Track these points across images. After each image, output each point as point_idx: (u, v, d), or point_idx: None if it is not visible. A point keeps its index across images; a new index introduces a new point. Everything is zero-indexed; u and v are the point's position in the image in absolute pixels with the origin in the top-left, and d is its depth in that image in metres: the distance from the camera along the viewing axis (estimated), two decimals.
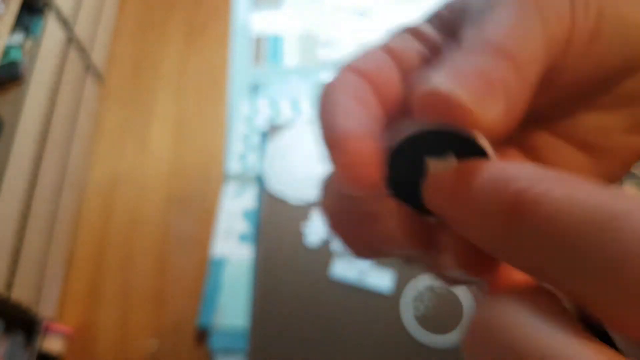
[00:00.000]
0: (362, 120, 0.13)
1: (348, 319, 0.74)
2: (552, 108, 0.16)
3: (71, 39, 0.90)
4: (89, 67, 0.96)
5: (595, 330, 0.12)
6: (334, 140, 0.13)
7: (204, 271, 0.81)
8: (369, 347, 0.72)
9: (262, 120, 0.93)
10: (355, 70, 0.14)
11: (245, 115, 0.93)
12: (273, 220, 0.83)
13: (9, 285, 0.68)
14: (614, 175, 0.18)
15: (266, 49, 1.02)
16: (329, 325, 0.74)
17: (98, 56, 1.00)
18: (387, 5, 1.06)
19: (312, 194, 0.84)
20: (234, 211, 0.85)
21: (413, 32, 0.16)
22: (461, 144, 0.12)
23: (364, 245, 0.15)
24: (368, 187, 0.12)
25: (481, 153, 0.12)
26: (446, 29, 0.16)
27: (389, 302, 0.75)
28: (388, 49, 0.15)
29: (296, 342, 0.73)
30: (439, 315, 0.73)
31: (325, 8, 1.07)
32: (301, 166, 0.87)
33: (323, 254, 0.71)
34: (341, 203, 0.15)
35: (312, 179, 0.86)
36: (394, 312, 0.74)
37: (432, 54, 0.15)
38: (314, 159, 0.87)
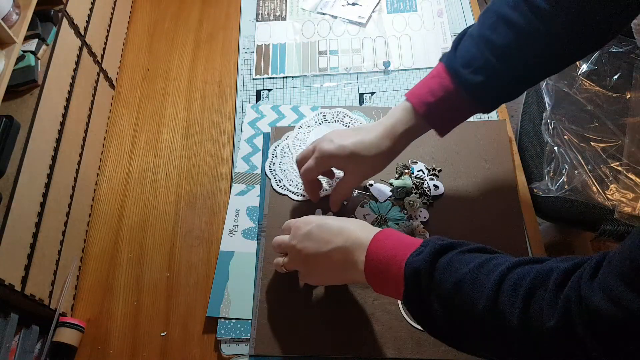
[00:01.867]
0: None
1: (349, 308, 0.75)
2: None
3: (84, 46, 0.91)
4: (101, 73, 0.97)
5: None
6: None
7: (212, 265, 0.81)
8: (370, 335, 0.73)
9: (266, 124, 0.94)
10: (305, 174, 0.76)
11: (250, 119, 0.95)
12: (275, 216, 0.84)
13: (24, 279, 0.68)
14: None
15: (270, 57, 1.04)
16: (330, 315, 0.75)
17: (110, 63, 1.01)
18: (383, 16, 1.08)
19: None
20: (239, 208, 0.86)
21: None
22: None
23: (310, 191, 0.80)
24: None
25: None
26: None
27: None
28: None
29: (298, 332, 0.74)
30: None
31: (326, 19, 1.09)
32: None
33: None
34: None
35: None
36: (394, 301, 0.75)
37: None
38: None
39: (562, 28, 0.61)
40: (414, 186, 0.82)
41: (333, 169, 0.80)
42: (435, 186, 0.83)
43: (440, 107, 0.68)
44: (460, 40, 0.68)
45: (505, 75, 0.65)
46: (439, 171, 0.84)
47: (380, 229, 0.62)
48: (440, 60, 0.69)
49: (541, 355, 0.46)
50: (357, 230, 0.62)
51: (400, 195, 0.82)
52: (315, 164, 0.73)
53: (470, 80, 0.65)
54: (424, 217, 0.80)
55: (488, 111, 0.71)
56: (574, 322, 0.43)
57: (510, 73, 0.65)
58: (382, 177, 0.84)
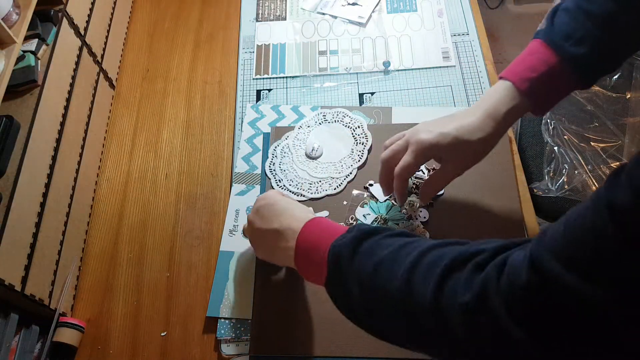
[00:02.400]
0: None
1: None
2: None
3: (84, 46, 0.91)
4: (101, 73, 0.97)
5: None
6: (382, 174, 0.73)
7: (212, 265, 0.80)
8: (371, 336, 0.73)
9: (266, 124, 0.94)
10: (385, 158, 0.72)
11: (250, 119, 0.95)
12: None
13: (24, 279, 0.68)
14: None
15: (270, 57, 1.04)
16: (330, 315, 0.74)
17: (110, 63, 1.01)
18: (383, 16, 1.08)
19: (310, 190, 0.85)
20: (239, 208, 0.85)
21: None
22: None
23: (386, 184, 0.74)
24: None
25: None
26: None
27: None
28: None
29: (298, 332, 0.74)
30: None
31: (326, 19, 1.09)
32: (301, 165, 0.88)
33: None
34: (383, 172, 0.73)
35: (310, 177, 0.87)
36: None
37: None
38: (312, 159, 0.89)
39: None
40: (414, 186, 0.82)
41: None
42: None
43: (544, 82, 0.65)
44: (553, 15, 0.66)
45: (608, 45, 0.63)
46: None
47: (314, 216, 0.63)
48: (535, 37, 0.66)
49: (451, 334, 0.45)
50: (295, 217, 0.64)
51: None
52: (415, 157, 0.66)
53: (574, 52, 0.63)
54: (424, 217, 0.80)
55: (587, 87, 0.68)
56: (489, 296, 0.42)
57: (614, 42, 0.63)
58: None
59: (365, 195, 0.83)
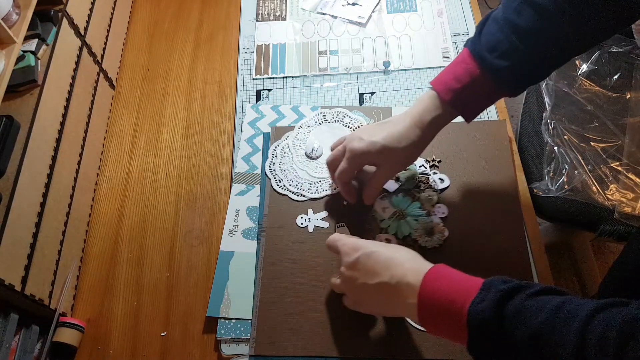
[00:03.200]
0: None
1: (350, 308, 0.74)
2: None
3: (84, 46, 0.91)
4: (101, 73, 0.97)
5: None
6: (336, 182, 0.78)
7: (212, 265, 0.80)
8: (371, 336, 0.73)
9: (266, 124, 0.94)
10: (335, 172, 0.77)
11: (250, 119, 0.95)
12: (275, 216, 0.84)
13: (24, 279, 0.68)
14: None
15: (270, 57, 1.04)
16: (330, 315, 0.75)
17: (110, 63, 1.01)
18: (383, 16, 1.08)
19: (310, 190, 0.85)
20: (239, 208, 0.86)
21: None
22: None
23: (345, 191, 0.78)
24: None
25: None
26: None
27: None
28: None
29: (299, 332, 0.74)
30: None
31: (326, 19, 1.09)
32: (301, 165, 0.88)
33: (324, 246, 0.72)
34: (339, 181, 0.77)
35: (310, 177, 0.87)
36: None
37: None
38: (312, 159, 0.89)
39: (587, 6, 0.60)
40: (421, 183, 0.82)
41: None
42: (441, 179, 0.83)
43: (467, 93, 0.68)
44: (484, 24, 0.68)
45: (531, 59, 0.65)
46: (439, 162, 0.84)
47: (430, 266, 0.58)
48: (465, 45, 0.69)
49: None
50: (406, 266, 0.59)
51: (410, 186, 0.82)
52: (349, 164, 0.74)
53: (496, 65, 0.65)
54: (443, 213, 0.80)
55: (514, 95, 0.70)
56: None
57: (537, 56, 0.65)
58: None
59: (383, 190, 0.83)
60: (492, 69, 0.65)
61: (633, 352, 0.42)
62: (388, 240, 0.78)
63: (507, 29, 0.64)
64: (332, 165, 0.78)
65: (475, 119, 0.89)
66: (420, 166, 0.84)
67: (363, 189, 0.78)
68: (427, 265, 0.58)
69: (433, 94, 0.70)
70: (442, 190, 0.82)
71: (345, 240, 0.67)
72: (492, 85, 0.67)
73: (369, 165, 0.77)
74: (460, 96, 0.68)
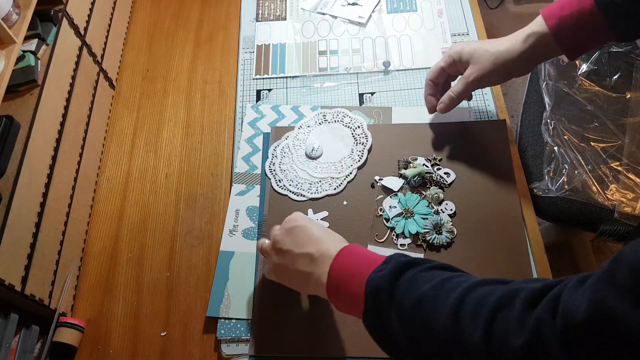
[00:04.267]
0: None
1: None
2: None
3: (84, 46, 0.91)
4: (101, 73, 0.97)
5: None
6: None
7: (212, 265, 0.80)
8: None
9: (266, 124, 0.94)
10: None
11: (250, 119, 0.95)
12: (275, 216, 0.84)
13: (24, 279, 0.68)
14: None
15: (270, 57, 1.04)
16: (330, 315, 0.75)
17: (110, 63, 1.01)
18: (383, 16, 1.08)
19: (310, 190, 0.85)
20: (239, 208, 0.85)
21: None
22: None
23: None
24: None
25: None
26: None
27: None
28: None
29: (298, 332, 0.74)
30: None
31: (326, 19, 1.09)
32: (301, 165, 0.88)
33: None
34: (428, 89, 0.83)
35: (310, 177, 0.87)
36: None
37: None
38: (312, 159, 0.89)
39: None
40: (427, 181, 0.82)
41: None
42: (446, 174, 0.83)
43: (571, 24, 0.65)
44: None
45: None
46: (440, 160, 0.84)
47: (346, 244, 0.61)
48: None
49: None
50: (331, 244, 0.61)
51: (417, 183, 0.82)
52: (444, 60, 0.77)
53: None
54: (451, 210, 0.80)
55: (623, 40, 0.67)
56: (544, 340, 0.41)
57: None
58: (388, 174, 0.84)
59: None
60: (602, 2, 0.62)
61: (505, 317, 0.44)
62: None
63: None
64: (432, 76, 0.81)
65: (475, 119, 0.89)
66: (421, 165, 0.84)
67: (443, 96, 0.80)
68: (346, 244, 0.61)
69: (539, 18, 0.69)
70: (451, 184, 0.82)
71: (294, 213, 0.68)
72: (600, 22, 0.63)
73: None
74: (564, 26, 0.65)
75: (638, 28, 0.65)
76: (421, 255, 0.76)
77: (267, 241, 0.70)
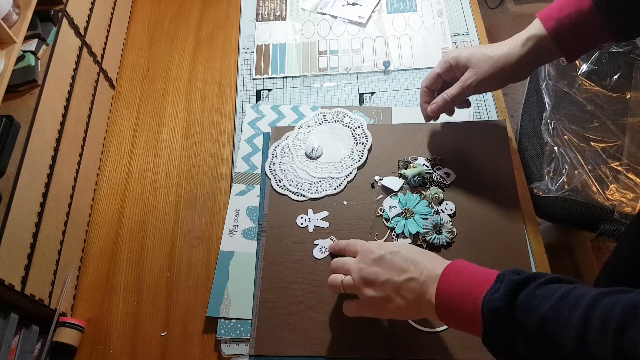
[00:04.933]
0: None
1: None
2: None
3: (84, 46, 0.91)
4: (101, 73, 0.97)
5: None
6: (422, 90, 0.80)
7: (212, 265, 0.81)
8: (371, 336, 0.73)
9: (266, 124, 0.94)
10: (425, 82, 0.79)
11: (250, 119, 0.95)
12: (275, 216, 0.84)
13: (24, 279, 0.68)
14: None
15: (270, 57, 1.04)
16: (330, 315, 0.75)
17: (110, 63, 1.01)
18: (383, 16, 1.08)
19: (310, 190, 0.85)
20: (239, 208, 0.85)
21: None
22: None
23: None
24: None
25: None
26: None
27: None
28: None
29: (298, 332, 0.74)
30: None
31: (326, 19, 1.09)
32: (301, 165, 0.88)
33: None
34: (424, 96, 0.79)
35: (310, 177, 0.87)
36: None
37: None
38: (312, 159, 0.89)
39: None
40: (427, 182, 0.82)
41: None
42: (446, 174, 0.83)
43: (570, 25, 0.64)
44: None
45: None
46: (440, 160, 0.84)
47: (449, 262, 0.59)
48: None
49: None
50: (432, 263, 0.59)
51: (417, 183, 0.82)
52: (440, 66, 0.75)
53: None
54: (451, 210, 0.80)
55: (623, 40, 0.66)
56: None
57: None
58: (389, 174, 0.84)
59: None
60: (601, 2, 0.62)
61: (631, 336, 0.42)
62: None
63: None
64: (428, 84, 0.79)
65: (475, 119, 0.89)
66: (422, 165, 0.84)
67: (444, 93, 0.77)
68: (447, 262, 0.59)
69: (536, 20, 0.68)
70: (451, 184, 0.82)
71: (363, 241, 0.66)
72: (598, 19, 0.63)
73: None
74: (562, 27, 0.65)
75: (638, 26, 0.65)
76: None
77: (340, 277, 0.66)
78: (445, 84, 0.78)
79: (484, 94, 0.93)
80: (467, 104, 0.81)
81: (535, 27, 0.68)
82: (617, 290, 0.47)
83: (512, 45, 0.70)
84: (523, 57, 0.69)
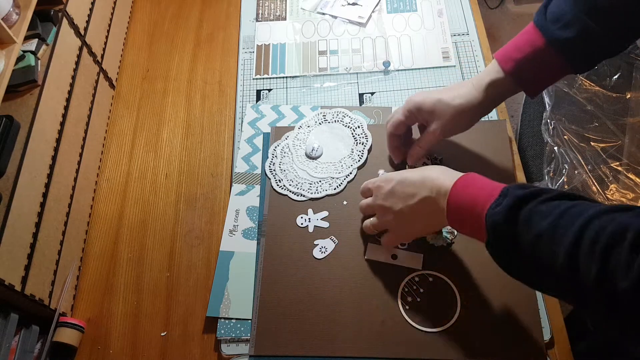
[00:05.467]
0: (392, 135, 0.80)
1: (349, 308, 0.75)
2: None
3: (84, 46, 0.91)
4: (101, 73, 0.97)
5: None
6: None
7: (212, 265, 0.80)
8: (371, 336, 0.73)
9: (266, 124, 0.94)
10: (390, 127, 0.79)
11: (250, 119, 0.95)
12: (275, 216, 0.84)
13: (24, 279, 0.68)
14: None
15: (270, 57, 1.04)
16: (330, 315, 0.74)
17: (110, 63, 1.01)
18: (383, 16, 1.08)
19: (310, 190, 0.85)
20: (239, 208, 0.85)
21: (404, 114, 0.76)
22: None
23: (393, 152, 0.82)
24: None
25: None
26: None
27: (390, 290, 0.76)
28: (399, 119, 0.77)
29: (298, 332, 0.74)
30: (433, 305, 0.74)
31: (326, 19, 1.09)
32: (301, 165, 0.88)
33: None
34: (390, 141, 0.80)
35: (310, 177, 0.87)
36: (396, 302, 0.75)
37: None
38: (312, 159, 0.89)
39: None
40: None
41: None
42: None
43: (528, 65, 0.67)
44: None
45: (598, 33, 0.62)
46: (441, 160, 0.84)
47: (461, 174, 0.62)
48: (532, 20, 0.68)
49: (613, 313, 0.46)
50: (440, 177, 0.63)
51: None
52: (403, 114, 0.76)
53: (559, 35, 0.63)
54: None
55: (581, 71, 0.67)
56: None
57: (604, 30, 0.62)
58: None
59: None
60: (555, 39, 0.64)
61: (615, 258, 0.44)
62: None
63: (572, 1, 0.63)
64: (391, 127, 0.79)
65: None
66: (423, 164, 0.84)
67: (410, 148, 0.80)
68: (458, 174, 0.63)
69: (494, 62, 0.70)
70: None
71: (374, 180, 0.73)
72: (555, 57, 0.65)
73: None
74: (521, 67, 0.67)
75: (594, 59, 0.67)
76: (422, 256, 0.76)
77: (369, 221, 0.74)
78: (409, 127, 0.81)
79: None
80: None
81: (495, 71, 0.70)
82: (615, 209, 0.48)
83: (473, 92, 0.72)
84: (484, 101, 0.71)
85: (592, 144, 0.88)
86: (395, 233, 0.72)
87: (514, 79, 0.69)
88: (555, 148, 0.88)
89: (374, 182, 0.72)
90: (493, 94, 0.71)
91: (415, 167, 0.79)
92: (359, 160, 0.86)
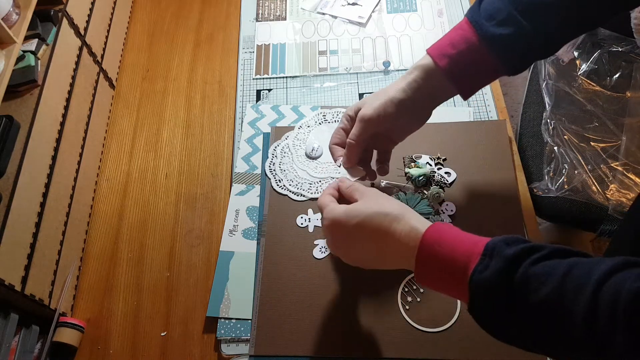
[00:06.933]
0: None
1: (349, 308, 0.75)
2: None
3: (84, 46, 0.91)
4: (101, 73, 0.97)
5: None
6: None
7: (212, 265, 0.80)
8: (370, 336, 0.73)
9: (266, 124, 0.94)
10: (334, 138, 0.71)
11: (250, 119, 0.95)
12: (275, 216, 0.84)
13: (24, 279, 0.68)
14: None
15: (270, 57, 1.04)
16: (330, 315, 0.74)
17: (110, 63, 1.01)
18: (383, 16, 1.08)
19: (310, 190, 0.85)
20: (239, 208, 0.85)
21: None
22: None
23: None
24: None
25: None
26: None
27: (388, 289, 0.76)
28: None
29: (298, 332, 0.74)
30: (431, 308, 0.74)
31: (326, 19, 1.09)
32: (301, 165, 0.88)
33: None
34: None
35: (310, 177, 0.87)
36: (395, 301, 0.75)
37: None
38: (312, 159, 0.89)
39: None
40: (430, 181, 0.82)
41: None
42: (447, 173, 0.83)
43: (463, 62, 0.63)
44: None
45: (532, 32, 0.60)
46: (444, 160, 0.84)
47: (424, 228, 0.55)
48: (465, 14, 0.65)
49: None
50: (406, 226, 0.56)
51: (421, 184, 0.82)
52: (342, 121, 0.71)
53: (493, 32, 0.60)
54: (452, 211, 0.80)
55: (514, 73, 0.65)
56: None
57: (538, 29, 0.60)
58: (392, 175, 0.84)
59: (395, 186, 0.82)
60: (489, 35, 0.61)
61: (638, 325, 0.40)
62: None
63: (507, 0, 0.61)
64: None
65: (475, 119, 0.89)
66: (425, 163, 0.84)
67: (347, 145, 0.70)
68: (424, 225, 0.56)
69: (429, 59, 0.65)
70: (452, 183, 0.82)
71: (327, 213, 0.63)
72: (489, 57, 0.62)
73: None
74: (455, 64, 0.63)
75: (527, 59, 0.65)
76: None
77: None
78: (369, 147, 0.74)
79: (484, 93, 0.93)
80: (385, 170, 0.75)
81: (427, 63, 0.65)
82: (624, 264, 0.44)
83: (403, 81, 0.66)
84: (417, 101, 0.66)
85: (592, 143, 0.88)
86: (337, 247, 0.64)
87: (448, 78, 0.64)
88: (555, 148, 0.88)
89: (326, 218, 0.63)
90: (423, 89, 0.65)
91: (356, 175, 0.72)
92: None
